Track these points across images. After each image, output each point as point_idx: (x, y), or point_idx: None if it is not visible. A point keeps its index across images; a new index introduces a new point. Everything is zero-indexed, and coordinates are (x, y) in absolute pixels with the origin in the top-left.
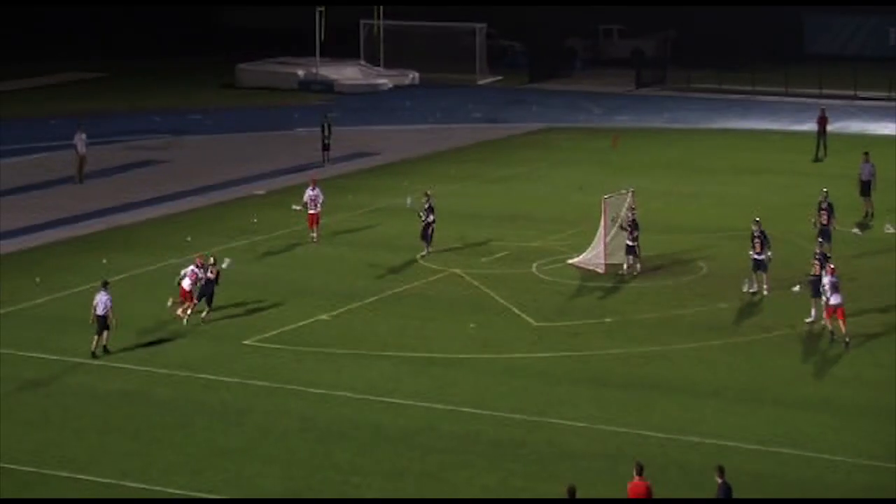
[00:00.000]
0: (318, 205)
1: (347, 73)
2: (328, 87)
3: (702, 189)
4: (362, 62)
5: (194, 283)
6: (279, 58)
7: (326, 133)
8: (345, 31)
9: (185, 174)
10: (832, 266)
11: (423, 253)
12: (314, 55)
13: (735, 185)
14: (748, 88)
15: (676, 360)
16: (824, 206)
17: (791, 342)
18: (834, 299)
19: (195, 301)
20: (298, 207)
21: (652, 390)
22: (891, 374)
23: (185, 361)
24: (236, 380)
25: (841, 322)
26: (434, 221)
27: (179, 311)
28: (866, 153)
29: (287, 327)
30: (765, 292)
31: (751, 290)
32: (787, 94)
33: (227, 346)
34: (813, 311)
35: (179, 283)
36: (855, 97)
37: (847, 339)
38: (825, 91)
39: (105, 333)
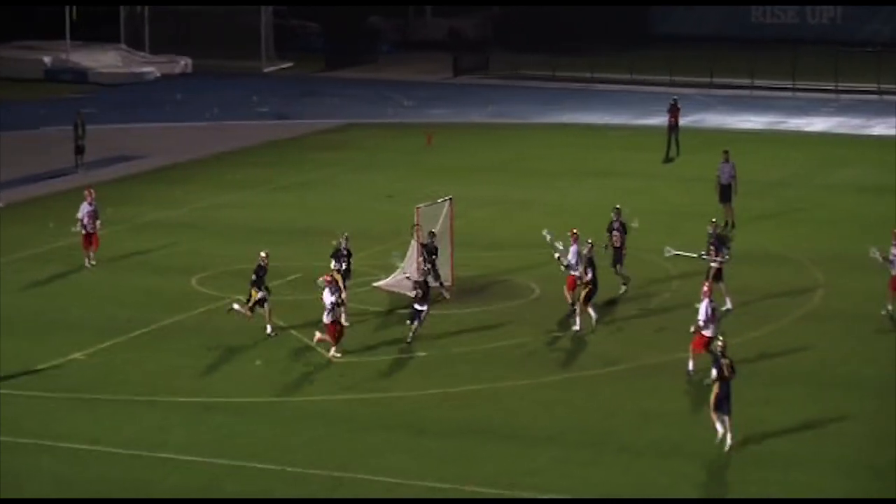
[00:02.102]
0: (95, 224)
1: (105, 60)
2: (81, 76)
3: (534, 196)
4: (123, 46)
5: None
6: (21, 41)
7: (80, 132)
8: (101, 9)
9: None
10: (706, 289)
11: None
12: (64, 38)
13: (574, 191)
14: (587, 76)
15: (505, 400)
16: (616, 225)
17: (640, 377)
18: (708, 330)
19: None
20: (77, 229)
21: (476, 437)
22: (756, 411)
23: None
24: None
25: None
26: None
27: None
28: (726, 152)
29: (34, 369)
30: None
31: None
32: (632, 83)
33: None
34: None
35: None
36: (711, 85)
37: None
38: (676, 78)
39: None
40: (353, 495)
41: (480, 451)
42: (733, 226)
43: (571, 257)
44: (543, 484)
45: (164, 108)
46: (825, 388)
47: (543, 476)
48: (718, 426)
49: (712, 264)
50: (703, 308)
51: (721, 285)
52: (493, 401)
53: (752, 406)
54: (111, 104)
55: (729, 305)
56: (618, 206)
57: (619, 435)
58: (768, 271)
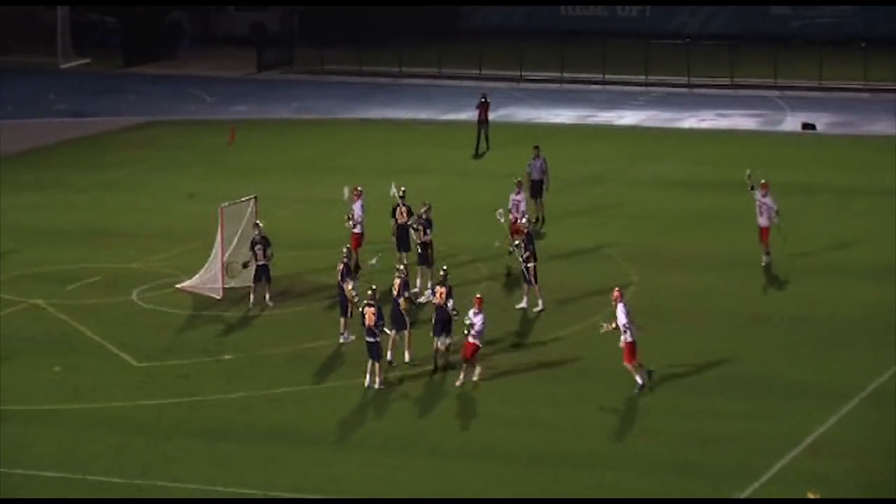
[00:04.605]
0: None
1: None
2: None
3: (340, 195)
4: None
5: None
6: None
7: None
8: None
9: None
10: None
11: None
12: None
13: (381, 189)
14: (394, 70)
15: (312, 403)
16: (423, 222)
17: (450, 378)
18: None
19: None
20: None
21: (282, 442)
22: (568, 410)
23: None
24: None
25: None
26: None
27: None
28: (536, 147)
29: None
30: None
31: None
32: (440, 77)
33: None
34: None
35: None
36: (521, 79)
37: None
38: (486, 72)
39: None
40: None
41: (286, 456)
42: (543, 222)
43: None
44: (351, 489)
45: None
46: (625, 388)
47: (350, 481)
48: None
49: (528, 265)
50: (619, 313)
51: (535, 286)
52: (300, 404)
53: (564, 406)
54: None
55: (541, 306)
56: (427, 202)
57: (429, 437)
58: (580, 268)
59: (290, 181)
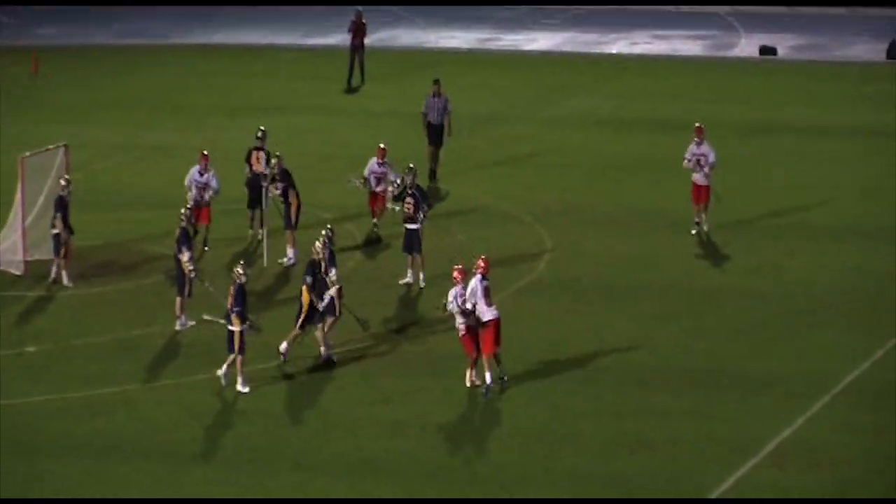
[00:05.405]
0: None
1: None
2: None
3: (176, 140)
4: None
5: None
6: None
7: None
8: None
9: None
10: (483, 263)
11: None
12: None
13: (229, 133)
14: None
15: (142, 407)
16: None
17: (325, 375)
18: (489, 313)
19: None
20: None
21: (104, 455)
22: (466, 413)
23: None
24: None
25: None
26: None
27: None
28: (436, 82)
29: None
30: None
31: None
32: None
33: None
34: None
35: None
36: None
37: (505, 377)
38: None
39: None
40: None
41: (110, 472)
42: (434, 176)
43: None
44: None
45: None
46: (553, 381)
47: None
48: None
49: (408, 225)
50: (475, 288)
51: (417, 256)
52: (129, 407)
53: (462, 406)
54: None
55: (422, 283)
56: (278, 153)
57: (292, 447)
58: (483, 232)
59: (112, 124)
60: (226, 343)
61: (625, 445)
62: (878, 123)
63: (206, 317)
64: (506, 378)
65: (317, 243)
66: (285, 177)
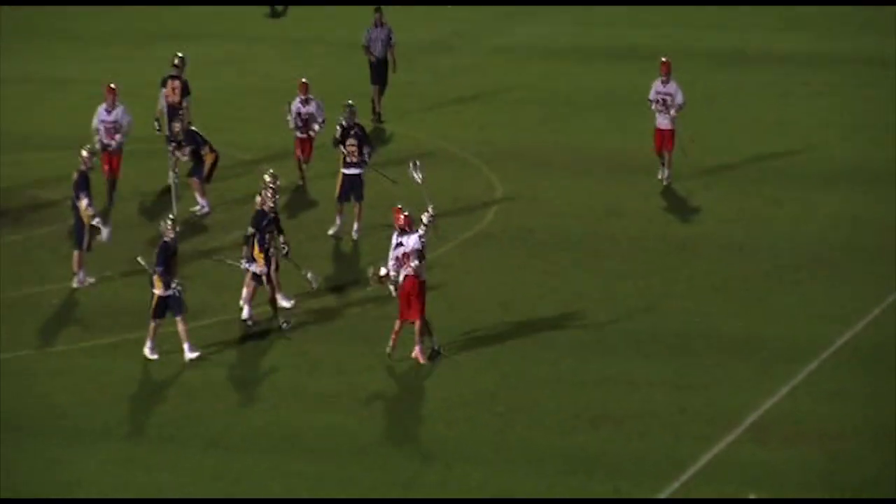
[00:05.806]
0: None
1: None
2: None
3: (76, 72)
4: None
5: None
6: None
7: None
8: None
9: None
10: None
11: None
12: None
13: (132, 65)
14: None
15: (35, 376)
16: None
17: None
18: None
19: None
20: None
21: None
22: (407, 383)
23: None
24: None
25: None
26: None
27: None
28: (378, 10)
29: None
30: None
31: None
32: None
33: None
34: None
35: None
36: None
37: (437, 347)
38: None
39: None
40: None
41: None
42: (379, 117)
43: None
44: (94, 494)
45: None
46: (505, 346)
47: (93, 485)
48: None
49: (347, 171)
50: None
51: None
52: (18, 378)
53: (402, 375)
54: None
55: (355, 234)
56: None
57: (207, 424)
58: (427, 176)
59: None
60: (149, 307)
61: (586, 418)
62: (872, 51)
63: (140, 260)
64: (438, 348)
65: (264, 192)
66: (192, 138)
